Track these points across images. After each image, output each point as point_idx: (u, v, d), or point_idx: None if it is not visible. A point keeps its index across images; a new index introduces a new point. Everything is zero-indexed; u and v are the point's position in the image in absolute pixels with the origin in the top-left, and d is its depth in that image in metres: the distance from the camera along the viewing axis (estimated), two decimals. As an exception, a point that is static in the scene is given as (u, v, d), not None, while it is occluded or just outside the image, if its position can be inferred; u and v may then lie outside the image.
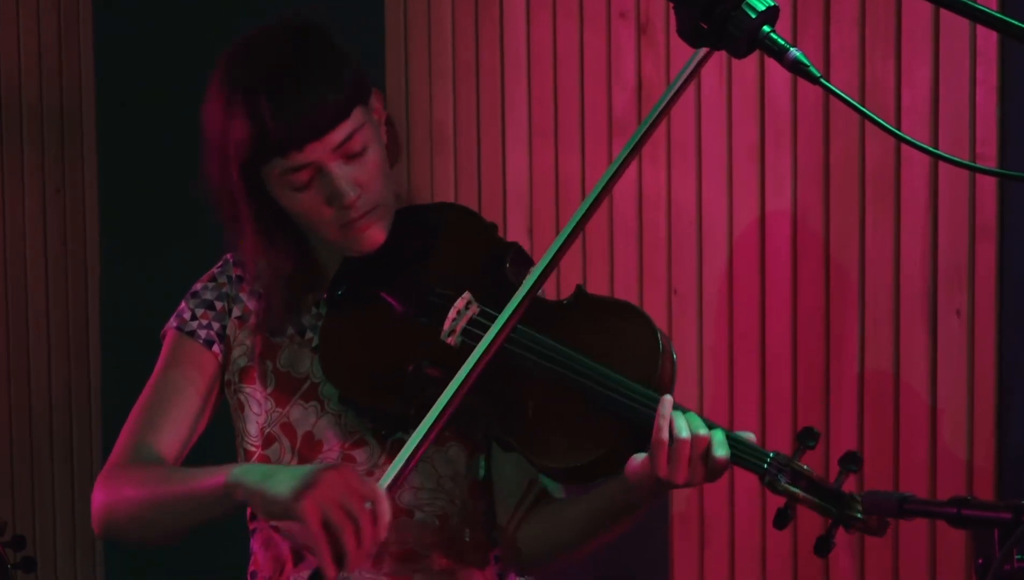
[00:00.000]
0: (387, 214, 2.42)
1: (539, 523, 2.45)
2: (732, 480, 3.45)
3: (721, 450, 2.20)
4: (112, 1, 4.50)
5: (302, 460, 2.45)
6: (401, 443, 2.43)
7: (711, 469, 2.21)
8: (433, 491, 2.44)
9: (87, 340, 4.60)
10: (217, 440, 2.55)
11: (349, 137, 2.34)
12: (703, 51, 2.02)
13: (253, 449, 2.48)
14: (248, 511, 2.53)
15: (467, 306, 2.37)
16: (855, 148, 3.28)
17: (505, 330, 2.17)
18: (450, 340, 2.36)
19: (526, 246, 3.86)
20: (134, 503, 2.37)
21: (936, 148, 3.10)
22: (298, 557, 2.48)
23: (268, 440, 2.47)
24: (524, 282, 2.18)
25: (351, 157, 2.35)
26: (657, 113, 2.08)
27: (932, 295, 3.20)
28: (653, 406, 2.23)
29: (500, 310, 2.21)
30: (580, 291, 2.39)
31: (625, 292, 3.58)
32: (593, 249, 3.63)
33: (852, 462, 2.17)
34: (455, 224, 2.51)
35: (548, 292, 3.74)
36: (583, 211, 2.14)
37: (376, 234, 2.40)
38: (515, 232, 3.76)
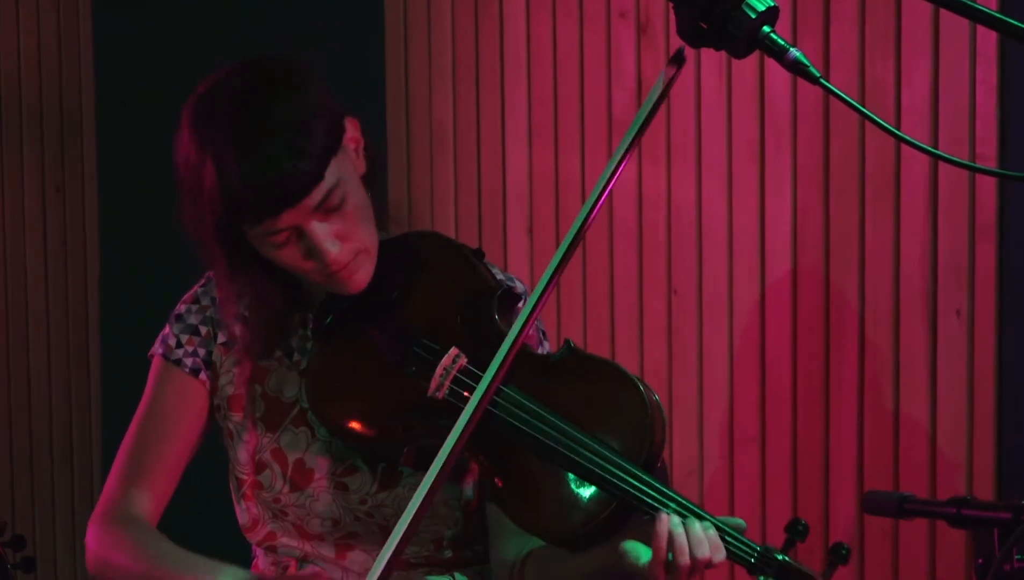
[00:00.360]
0: (370, 256, 2.36)
1: (550, 560, 2.42)
2: (732, 480, 3.45)
3: (719, 555, 2.16)
4: (112, 1, 4.50)
5: (294, 487, 2.43)
6: (391, 470, 2.42)
7: (708, 567, 2.18)
8: (428, 518, 2.41)
9: (87, 339, 4.60)
10: (217, 438, 2.55)
11: (326, 197, 2.27)
12: (671, 72, 2.05)
13: (244, 476, 2.46)
14: (248, 535, 2.52)
15: (454, 361, 2.32)
16: (855, 148, 3.27)
17: (491, 391, 2.15)
18: (439, 394, 2.31)
19: (526, 246, 3.87)
20: (125, 574, 2.39)
21: (936, 148, 3.09)
22: (300, 563, 2.47)
23: (260, 466, 2.44)
24: (507, 336, 2.16)
25: (330, 212, 2.29)
26: (630, 141, 2.10)
27: (932, 295, 3.20)
28: (642, 486, 2.18)
29: (488, 359, 2.18)
30: (569, 347, 2.32)
31: (625, 292, 3.58)
32: (593, 250, 3.63)
33: (840, 555, 2.15)
34: (440, 259, 2.44)
35: (550, 305, 3.74)
36: (558, 259, 2.13)
37: (361, 278, 2.35)
38: (515, 232, 3.76)
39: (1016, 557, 1.89)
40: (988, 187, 3.13)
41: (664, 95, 2.14)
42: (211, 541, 2.45)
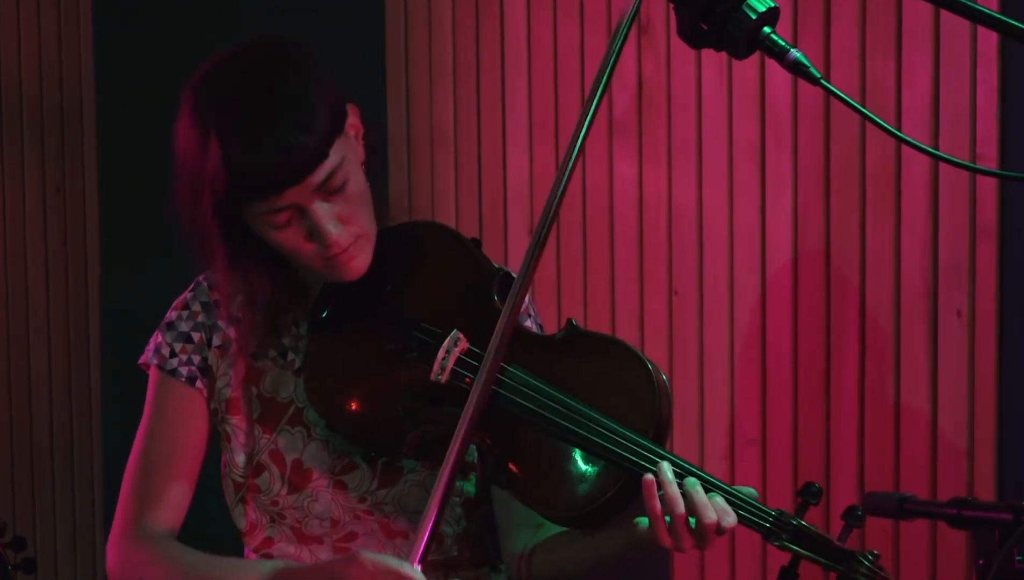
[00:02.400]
0: (370, 242, 2.36)
1: (556, 549, 2.41)
2: (733, 479, 3.45)
3: (728, 519, 2.15)
4: (112, 1, 4.50)
5: (292, 489, 2.42)
6: (391, 466, 2.42)
7: (719, 533, 2.17)
8: None
9: (87, 340, 4.60)
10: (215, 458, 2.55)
11: (329, 176, 2.27)
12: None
13: (241, 480, 2.45)
14: (245, 539, 2.51)
15: (455, 344, 2.32)
16: (855, 149, 3.27)
17: (494, 370, 2.15)
18: (441, 378, 2.30)
19: (526, 245, 3.87)
20: None
21: (936, 149, 3.10)
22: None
23: (258, 469, 2.44)
24: (502, 313, 2.16)
25: (332, 193, 2.29)
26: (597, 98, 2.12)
27: (932, 295, 3.20)
28: (651, 459, 2.18)
29: (488, 342, 2.19)
30: (572, 327, 2.32)
31: (625, 293, 3.58)
32: (594, 250, 3.63)
33: (853, 518, 2.15)
34: (438, 246, 2.44)
35: (550, 305, 3.74)
36: (540, 235, 2.15)
37: (360, 264, 2.34)
38: (515, 232, 3.76)
39: (1017, 558, 1.88)
40: (989, 188, 3.13)
41: (628, 28, 2.14)
42: (211, 527, 2.45)
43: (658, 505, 2.14)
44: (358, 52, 3.97)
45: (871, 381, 3.28)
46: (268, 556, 2.45)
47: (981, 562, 1.91)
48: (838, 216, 3.30)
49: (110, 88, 4.51)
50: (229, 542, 2.51)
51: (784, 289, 3.38)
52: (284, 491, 2.42)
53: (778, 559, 3.39)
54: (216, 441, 2.49)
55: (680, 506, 2.14)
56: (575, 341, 2.31)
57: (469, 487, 2.46)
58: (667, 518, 2.14)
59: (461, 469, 2.41)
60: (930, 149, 1.76)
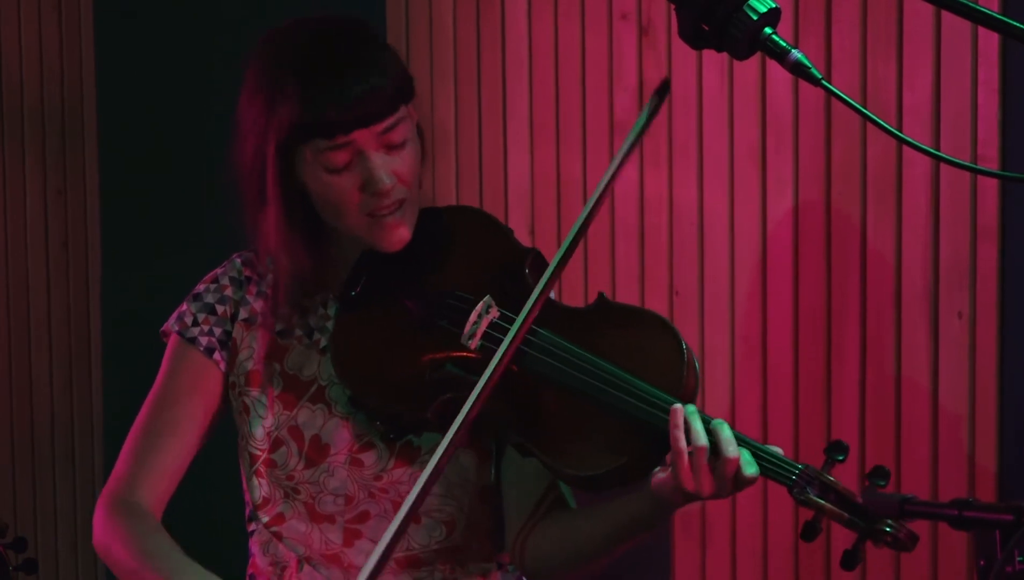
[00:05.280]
0: (414, 214, 2.41)
1: (551, 533, 2.42)
2: (733, 482, 3.45)
3: (750, 469, 2.17)
4: (114, 4, 4.50)
5: (309, 463, 2.44)
6: (410, 445, 2.43)
7: (739, 484, 2.19)
8: (443, 497, 2.43)
9: (88, 342, 4.60)
10: (222, 436, 2.55)
11: (393, 128, 2.35)
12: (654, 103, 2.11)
13: (259, 452, 2.46)
14: (246, 512, 2.52)
15: (487, 309, 2.35)
16: (856, 150, 3.27)
17: (523, 331, 2.18)
18: (471, 344, 2.34)
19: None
20: (120, 567, 2.41)
21: (937, 150, 3.10)
22: (300, 563, 2.47)
23: (276, 444, 2.45)
24: (539, 282, 2.18)
25: (391, 148, 2.35)
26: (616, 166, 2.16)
27: (933, 297, 3.20)
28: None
29: (520, 314, 2.22)
30: (602, 299, 2.36)
31: (626, 294, 3.58)
32: (595, 251, 3.63)
33: (881, 476, 2.15)
34: (474, 227, 2.49)
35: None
36: (587, 211, 2.16)
37: (403, 232, 2.39)
38: (517, 232, 3.75)
39: (1018, 559, 1.88)
40: (990, 188, 3.13)
41: (647, 125, 2.22)
42: (210, 524, 2.45)
43: (682, 437, 2.16)
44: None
45: (872, 382, 3.28)
46: (278, 535, 2.47)
47: (982, 563, 1.91)
48: (839, 217, 3.30)
49: (111, 90, 4.51)
50: (230, 516, 2.52)
51: (785, 290, 3.38)
52: (301, 466, 2.44)
53: (778, 557, 3.40)
54: (225, 418, 2.51)
55: (703, 438, 2.16)
56: (605, 311, 2.35)
57: (490, 476, 2.47)
58: (690, 453, 2.16)
59: (483, 456, 2.43)
60: (931, 150, 1.76)
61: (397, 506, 2.41)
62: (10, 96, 4.63)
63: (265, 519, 2.48)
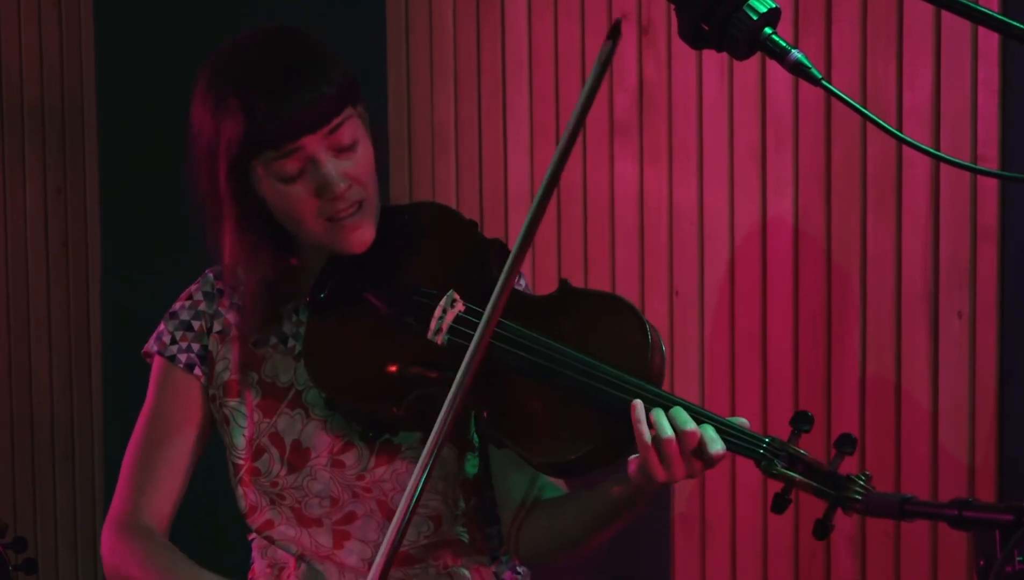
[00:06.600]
0: (374, 214, 2.42)
1: (541, 521, 2.44)
2: (733, 479, 3.45)
3: (715, 446, 2.19)
4: (113, 2, 4.50)
5: (291, 469, 2.45)
6: (390, 443, 2.44)
7: (708, 461, 2.20)
8: (426, 492, 2.44)
9: (88, 341, 4.60)
10: (220, 445, 2.55)
11: (339, 129, 2.35)
12: (607, 46, 2.10)
13: (241, 462, 2.48)
14: (248, 520, 2.53)
15: (452, 304, 2.36)
16: (856, 150, 3.27)
17: (492, 324, 2.19)
18: (437, 339, 2.35)
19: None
20: None
21: (937, 150, 3.10)
22: (298, 562, 2.48)
23: (258, 452, 2.47)
24: (502, 273, 2.20)
25: (342, 151, 2.36)
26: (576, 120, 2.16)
27: (933, 297, 3.20)
28: (643, 394, 2.22)
29: (485, 306, 2.23)
30: (565, 285, 2.38)
31: (626, 294, 3.58)
32: (594, 251, 3.63)
33: (847, 444, 2.17)
34: (437, 222, 2.50)
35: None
36: (539, 199, 2.18)
37: (364, 233, 2.40)
38: (516, 233, 3.74)
39: (1018, 559, 1.88)
40: (990, 189, 3.13)
41: (604, 71, 2.23)
42: (211, 531, 2.46)
43: (645, 430, 2.18)
44: (359, 53, 3.97)
45: (872, 382, 3.28)
46: (270, 539, 2.48)
47: (982, 563, 1.91)
48: (839, 217, 3.30)
49: (111, 90, 4.51)
50: (233, 525, 2.53)
51: (785, 290, 3.38)
52: (283, 472, 2.45)
53: (778, 557, 3.40)
54: (218, 429, 2.51)
55: (668, 430, 2.17)
56: (568, 297, 2.36)
57: (470, 467, 2.47)
58: (656, 446, 2.17)
59: (463, 448, 2.44)
60: (931, 150, 1.76)
61: (382, 505, 2.43)
62: (10, 94, 4.63)
63: (254, 526, 2.49)
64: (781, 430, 3.38)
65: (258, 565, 2.53)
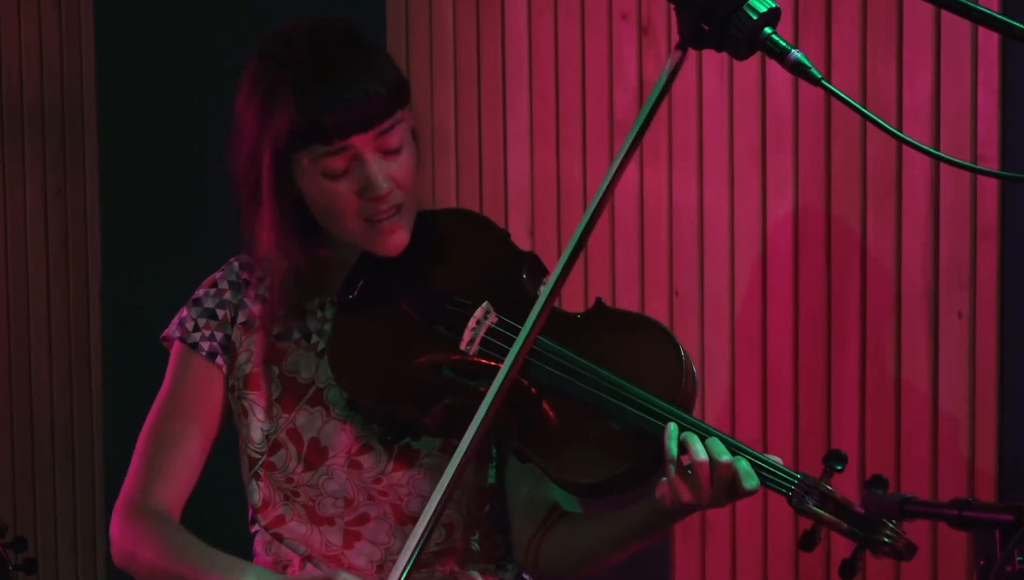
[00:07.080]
0: (411, 218, 2.41)
1: (563, 535, 2.42)
2: (733, 481, 3.45)
3: (751, 482, 2.17)
4: (113, 2, 4.50)
5: (308, 467, 2.44)
6: (408, 448, 2.43)
7: (738, 495, 2.19)
8: None
9: (88, 341, 4.60)
10: (226, 437, 2.55)
11: (390, 132, 2.35)
12: (677, 56, 2.05)
13: (257, 456, 2.47)
14: (249, 513, 2.53)
15: (485, 315, 2.36)
16: (856, 150, 3.27)
17: (529, 342, 2.17)
18: (471, 350, 2.34)
19: (527, 247, 3.87)
20: (149, 569, 2.42)
21: (937, 149, 3.10)
22: (303, 562, 2.47)
23: (274, 447, 2.46)
24: (542, 292, 2.19)
25: (388, 153, 2.36)
26: (647, 115, 2.09)
27: (933, 296, 3.20)
28: (677, 420, 2.20)
29: (518, 319, 2.23)
30: (600, 304, 2.37)
31: (626, 294, 3.58)
32: (595, 251, 3.63)
33: (879, 485, 2.15)
34: (471, 230, 2.49)
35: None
36: (588, 217, 2.15)
37: (401, 237, 2.39)
38: (516, 233, 3.75)
39: (1018, 559, 1.89)
40: (990, 188, 3.13)
41: (671, 81, 2.17)
42: (214, 524, 2.46)
43: (676, 452, 2.17)
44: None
45: (872, 382, 3.28)
46: (279, 536, 2.47)
47: (982, 563, 1.91)
48: (839, 217, 3.30)
49: (111, 90, 4.51)
50: (240, 518, 2.52)
51: (785, 290, 3.38)
52: (300, 469, 2.44)
53: (778, 557, 3.40)
54: (232, 420, 2.51)
55: (703, 454, 2.17)
56: (603, 317, 2.36)
57: (488, 478, 2.47)
58: (688, 467, 2.17)
59: (483, 459, 2.43)
60: (931, 150, 1.76)
61: (396, 509, 2.43)
62: (10, 94, 4.63)
63: (265, 521, 2.48)
64: (782, 430, 3.39)
65: (260, 560, 2.52)
